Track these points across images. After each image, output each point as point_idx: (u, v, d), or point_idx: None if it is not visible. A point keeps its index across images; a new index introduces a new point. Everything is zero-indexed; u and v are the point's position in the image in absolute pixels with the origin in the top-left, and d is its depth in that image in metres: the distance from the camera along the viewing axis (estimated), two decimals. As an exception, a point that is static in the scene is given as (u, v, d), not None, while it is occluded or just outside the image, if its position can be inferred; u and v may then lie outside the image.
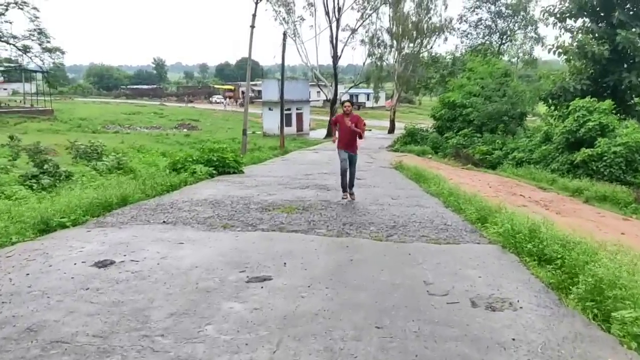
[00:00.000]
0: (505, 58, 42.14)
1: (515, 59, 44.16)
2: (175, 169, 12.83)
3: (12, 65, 48.15)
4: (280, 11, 38.88)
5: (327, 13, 38.96)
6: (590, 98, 18.72)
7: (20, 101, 56.46)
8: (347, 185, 8.81)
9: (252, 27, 24.60)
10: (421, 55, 44.10)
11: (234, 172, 13.27)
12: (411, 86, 48.55)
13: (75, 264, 4.45)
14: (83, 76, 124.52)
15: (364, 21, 41.24)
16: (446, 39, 43.89)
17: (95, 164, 14.04)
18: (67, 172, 11.30)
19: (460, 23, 47.07)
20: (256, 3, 24.10)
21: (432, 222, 6.92)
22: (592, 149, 16.66)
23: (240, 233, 5.90)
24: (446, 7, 41.51)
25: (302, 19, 39.91)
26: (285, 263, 4.57)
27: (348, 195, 8.76)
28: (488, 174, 19.01)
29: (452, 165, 21.31)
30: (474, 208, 7.91)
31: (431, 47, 43.99)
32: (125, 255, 4.71)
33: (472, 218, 7.36)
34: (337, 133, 8.74)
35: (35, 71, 46.58)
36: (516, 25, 43.20)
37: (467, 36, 47.93)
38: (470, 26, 47.80)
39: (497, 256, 5.05)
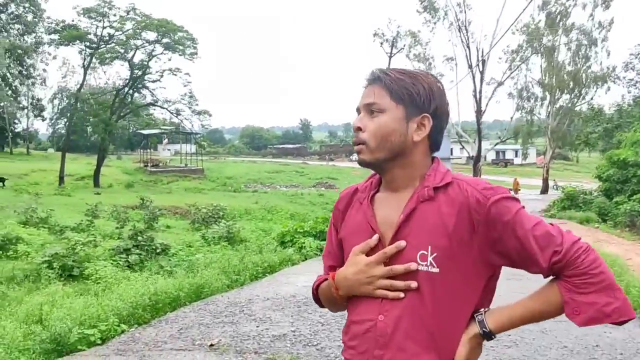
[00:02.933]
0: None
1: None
2: (283, 242, 11.21)
3: (170, 127, 51.86)
4: (419, 67, 37.19)
5: (469, 66, 36.46)
6: None
7: (177, 161, 60.76)
8: None
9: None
10: (579, 107, 39.36)
11: (350, 247, 11.25)
12: (567, 142, 43.49)
13: None
14: (238, 137, 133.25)
15: (512, 73, 38.00)
16: (609, 88, 38.57)
17: (205, 233, 12.95)
18: (163, 244, 10.11)
19: (626, 71, 41.67)
20: (390, 57, 22.59)
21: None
22: None
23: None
24: (608, 54, 36.56)
25: (442, 75, 37.71)
26: None
27: None
28: (680, 253, 14.79)
29: (627, 239, 17.20)
30: None
31: (591, 99, 39.14)
32: None
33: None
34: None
35: (189, 133, 49.56)
36: (700, 69, 36.89)
37: (634, 85, 42.19)
38: (638, 74, 42.11)
39: None
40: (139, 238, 9.89)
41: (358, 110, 1.34)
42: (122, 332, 4.92)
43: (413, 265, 1.23)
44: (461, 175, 1.31)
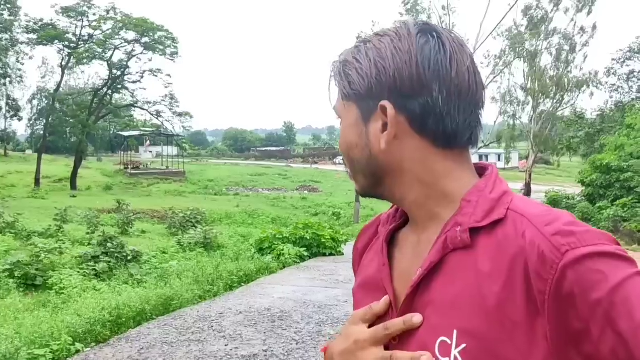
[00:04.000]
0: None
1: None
2: (261, 248, 10.81)
3: (150, 129, 51.10)
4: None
5: (453, 70, 36.38)
6: None
7: (158, 163, 59.98)
8: None
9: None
10: (561, 112, 39.61)
11: (330, 254, 10.89)
12: (549, 146, 43.77)
13: None
14: (221, 139, 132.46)
15: (495, 77, 38.02)
16: (592, 94, 38.98)
17: (181, 238, 12.49)
18: (134, 251, 9.64)
19: (608, 76, 42.05)
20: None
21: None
22: None
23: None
24: (584, 59, 36.88)
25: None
26: None
27: None
28: (664, 260, 14.72)
29: (611, 245, 17.12)
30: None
31: (574, 103, 39.40)
32: None
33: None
34: None
35: (171, 135, 48.88)
36: (680, 75, 37.33)
37: (616, 90, 42.59)
38: (619, 79, 42.50)
39: None
40: (109, 244, 9.41)
41: None
42: (77, 352, 4.49)
43: (425, 358, 0.70)
44: (527, 201, 0.75)
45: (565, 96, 38.87)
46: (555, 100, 39.08)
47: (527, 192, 40.27)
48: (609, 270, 0.63)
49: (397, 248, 0.84)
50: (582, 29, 36.93)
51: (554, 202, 25.29)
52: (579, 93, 38.71)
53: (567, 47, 37.68)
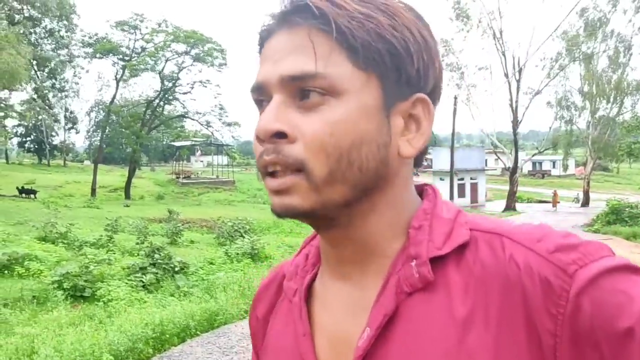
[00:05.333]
0: None
1: None
2: (308, 260, 10.58)
3: (201, 139, 52.13)
4: (452, 76, 36.28)
5: (505, 75, 35.37)
6: None
7: (208, 172, 61.06)
8: None
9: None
10: (621, 116, 37.81)
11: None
12: (608, 152, 41.84)
13: None
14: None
15: (550, 81, 36.70)
16: (655, 97, 37.21)
17: (229, 248, 12.43)
18: (181, 262, 9.59)
19: (670, 78, 39.97)
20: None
21: None
22: None
23: None
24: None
25: (474, 86, 36.64)
26: None
27: None
28: None
29: (681, 257, 16.02)
30: None
31: (634, 107, 37.55)
32: None
33: None
34: None
35: (220, 144, 49.64)
36: None
37: (681, 92, 40.40)
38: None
39: None
40: (156, 256, 9.40)
41: (261, 97, 0.57)
42: (116, 372, 4.35)
43: None
44: (487, 218, 0.56)
45: (625, 100, 37.17)
46: (614, 104, 37.41)
47: (586, 200, 38.55)
48: (631, 288, 0.46)
49: (316, 305, 0.60)
50: (640, 29, 35.28)
51: (615, 211, 24.03)
52: (640, 97, 36.98)
53: (626, 49, 36.09)
